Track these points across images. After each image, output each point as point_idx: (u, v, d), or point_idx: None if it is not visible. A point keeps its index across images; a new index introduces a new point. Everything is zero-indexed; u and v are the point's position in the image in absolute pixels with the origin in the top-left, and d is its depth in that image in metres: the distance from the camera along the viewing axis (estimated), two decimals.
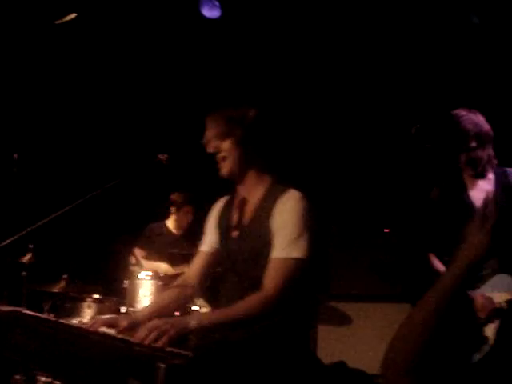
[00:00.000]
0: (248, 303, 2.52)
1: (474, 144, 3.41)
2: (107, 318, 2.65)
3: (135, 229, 5.96)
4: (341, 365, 4.67)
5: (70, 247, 5.95)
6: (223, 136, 2.68)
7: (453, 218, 3.40)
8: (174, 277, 3.15)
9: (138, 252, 5.78)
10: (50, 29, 5.82)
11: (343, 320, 5.56)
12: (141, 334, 2.25)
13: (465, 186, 3.52)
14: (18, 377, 3.76)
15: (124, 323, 2.57)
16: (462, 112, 3.44)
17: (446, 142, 3.36)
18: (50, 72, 6.19)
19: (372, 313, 5.57)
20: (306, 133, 6.21)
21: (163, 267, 5.49)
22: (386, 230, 5.92)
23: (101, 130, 6.38)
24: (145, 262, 5.63)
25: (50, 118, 6.35)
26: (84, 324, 2.66)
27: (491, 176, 3.52)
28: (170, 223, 5.94)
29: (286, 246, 2.58)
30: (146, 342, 2.18)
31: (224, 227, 2.85)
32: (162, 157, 2.64)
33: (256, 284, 2.59)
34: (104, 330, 2.52)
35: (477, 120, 3.44)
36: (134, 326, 2.59)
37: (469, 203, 3.47)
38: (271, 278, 2.56)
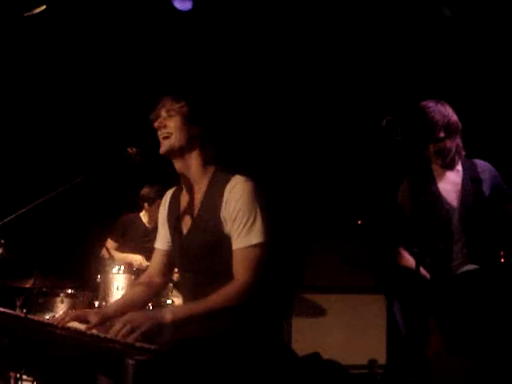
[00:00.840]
0: (222, 295, 2.50)
1: (442, 134, 3.43)
2: (77, 313, 2.63)
3: (107, 221, 5.92)
4: (315, 356, 4.68)
5: (41, 242, 5.91)
6: (171, 113, 2.67)
7: (421, 209, 3.42)
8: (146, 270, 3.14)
9: (109, 244, 5.75)
10: (20, 20, 5.75)
11: (317, 312, 5.59)
12: (115, 327, 2.24)
13: (433, 177, 3.55)
14: None
15: (94, 318, 2.56)
16: (430, 103, 3.47)
17: (415, 133, 3.39)
18: (18, 65, 6.11)
19: (345, 304, 5.62)
20: (278, 127, 6.20)
21: (137, 259, 5.47)
22: (358, 222, 5.96)
23: (70, 123, 6.31)
24: (118, 254, 5.61)
25: (19, 113, 6.27)
26: (55, 319, 2.63)
27: (459, 167, 3.55)
28: (143, 216, 5.91)
29: (244, 234, 2.55)
30: (120, 336, 2.17)
31: (172, 223, 2.82)
32: (131, 150, 2.62)
33: (213, 279, 2.58)
34: (75, 325, 2.50)
35: (445, 111, 3.46)
36: (104, 321, 2.58)
37: (437, 194, 3.50)
38: (240, 270, 2.54)
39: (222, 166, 2.74)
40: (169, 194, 2.94)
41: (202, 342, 2.43)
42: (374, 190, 5.89)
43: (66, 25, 5.75)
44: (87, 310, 2.85)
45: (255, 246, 2.55)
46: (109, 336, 2.18)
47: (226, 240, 2.60)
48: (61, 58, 6.06)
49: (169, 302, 4.85)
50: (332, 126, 6.08)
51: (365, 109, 5.68)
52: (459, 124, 3.51)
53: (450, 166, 3.54)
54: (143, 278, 2.98)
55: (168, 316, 2.40)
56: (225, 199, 2.60)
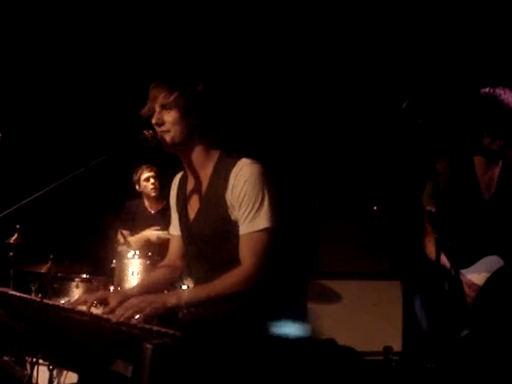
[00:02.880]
0: (228, 279, 2.47)
1: None
2: (98, 294, 2.62)
3: (123, 205, 5.91)
4: (330, 342, 4.67)
5: (57, 227, 5.90)
6: (168, 107, 2.57)
7: (456, 196, 3.38)
8: (163, 252, 3.12)
9: (124, 233, 5.74)
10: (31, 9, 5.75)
11: (333, 298, 5.57)
12: (118, 311, 2.22)
13: (472, 165, 3.47)
14: (6, 358, 3.75)
15: (115, 300, 2.54)
16: (500, 90, 3.37)
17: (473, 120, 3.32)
18: (32, 51, 6.11)
19: (361, 290, 5.59)
20: (293, 110, 6.16)
21: (154, 233, 5.45)
22: (374, 208, 5.92)
23: (86, 107, 6.30)
24: (133, 238, 5.60)
25: (34, 97, 6.27)
26: (73, 302, 2.63)
27: (500, 160, 3.46)
28: (146, 201, 5.87)
29: (250, 219, 2.51)
30: (122, 320, 2.16)
31: (181, 210, 2.78)
32: (147, 133, 2.57)
33: (221, 265, 2.54)
34: (91, 310, 2.49)
35: None
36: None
37: (473, 182, 3.44)
38: (246, 255, 2.51)
39: (228, 150, 2.69)
40: (177, 178, 2.90)
41: (217, 325, 2.42)
42: (392, 174, 5.85)
43: (70, 15, 5.75)
44: (107, 291, 2.84)
45: (262, 231, 2.51)
46: (112, 321, 2.16)
47: (233, 225, 2.56)
48: (77, 43, 6.06)
49: (184, 287, 4.84)
50: (351, 108, 6.02)
51: (385, 91, 5.62)
52: None
53: (496, 158, 3.45)
54: (165, 261, 2.97)
55: (173, 299, 2.38)
56: (231, 183, 2.55)
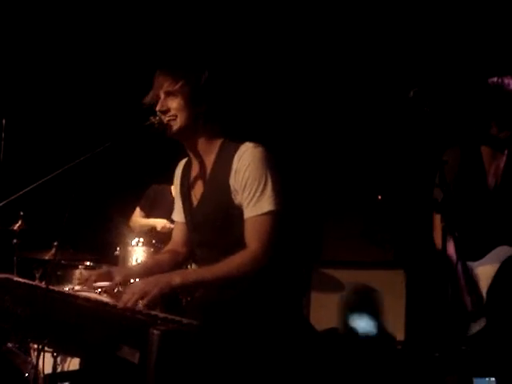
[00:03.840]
0: (234, 261, 2.47)
1: None
2: (103, 270, 2.63)
3: (130, 193, 5.88)
4: (333, 331, 4.68)
5: (61, 214, 5.89)
6: (173, 94, 2.57)
7: (463, 186, 3.38)
8: (167, 240, 3.13)
9: (137, 213, 5.72)
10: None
11: (336, 287, 5.57)
12: (124, 297, 2.22)
13: (480, 156, 3.46)
14: (10, 345, 3.75)
15: (119, 276, 2.55)
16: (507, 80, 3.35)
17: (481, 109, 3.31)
18: (37, 38, 6.09)
19: (364, 279, 5.58)
20: (297, 99, 6.14)
21: (160, 222, 5.43)
22: (378, 197, 5.90)
23: (91, 92, 6.29)
24: (140, 220, 5.59)
25: (39, 82, 6.25)
26: (78, 286, 2.63)
27: (506, 151, 3.45)
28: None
29: (255, 202, 2.51)
30: (129, 305, 2.16)
31: (185, 196, 2.79)
32: (154, 119, 2.56)
33: (225, 250, 2.53)
34: (96, 296, 2.49)
35: None
36: (127, 280, 2.57)
37: (480, 173, 3.43)
38: (252, 238, 2.51)
39: (231, 137, 2.69)
40: (180, 165, 2.91)
41: (222, 310, 2.42)
42: (397, 163, 5.83)
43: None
44: (112, 268, 2.84)
45: (266, 214, 2.50)
46: (119, 307, 2.17)
47: (236, 210, 2.55)
48: (81, 31, 6.05)
49: None
50: (355, 97, 5.99)
51: (391, 79, 5.59)
52: None
53: (502, 148, 3.44)
54: (168, 247, 2.98)
55: (177, 278, 2.37)
56: (234, 167, 2.55)
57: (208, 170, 2.66)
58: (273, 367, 2.37)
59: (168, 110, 2.58)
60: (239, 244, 2.53)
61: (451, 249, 3.08)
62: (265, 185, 2.51)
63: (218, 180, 2.59)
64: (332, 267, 5.62)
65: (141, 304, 2.17)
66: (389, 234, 5.75)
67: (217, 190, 2.59)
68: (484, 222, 3.40)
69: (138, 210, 5.77)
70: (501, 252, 3.34)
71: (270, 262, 2.51)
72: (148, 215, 5.73)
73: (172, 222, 4.76)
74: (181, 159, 2.86)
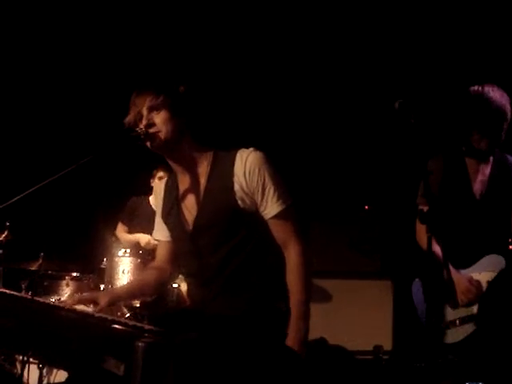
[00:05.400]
0: (297, 273, 2.58)
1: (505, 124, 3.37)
2: (87, 295, 2.62)
3: (114, 203, 5.88)
4: (321, 341, 4.67)
5: (47, 224, 5.87)
6: (156, 108, 2.59)
7: (448, 194, 3.40)
8: (154, 249, 3.12)
9: (120, 227, 5.73)
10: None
11: (323, 296, 5.57)
12: None
13: (464, 164, 3.48)
14: None
15: (104, 300, 2.54)
16: (488, 88, 3.37)
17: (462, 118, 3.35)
18: (23, 47, 6.08)
19: (352, 289, 5.59)
20: (284, 109, 6.16)
21: (145, 237, 5.43)
22: (366, 207, 5.92)
23: (76, 103, 6.28)
24: (125, 236, 5.59)
25: (24, 95, 6.24)
26: (62, 302, 2.61)
27: (491, 159, 3.48)
28: (152, 200, 5.85)
29: (276, 199, 2.57)
30: None
31: (173, 211, 2.77)
32: (140, 130, 2.57)
33: (229, 259, 2.58)
34: (82, 307, 2.48)
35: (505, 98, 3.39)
36: (113, 303, 2.56)
37: (464, 181, 3.45)
38: (286, 235, 2.59)
39: (221, 145, 2.71)
40: (161, 184, 2.91)
41: (210, 323, 2.41)
42: (384, 174, 5.86)
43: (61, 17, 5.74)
44: (96, 292, 2.83)
45: (290, 206, 2.59)
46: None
47: (241, 214, 2.58)
48: (66, 40, 6.04)
49: (175, 285, 4.84)
50: (343, 107, 6.02)
51: (377, 91, 5.62)
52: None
53: (485, 157, 3.47)
54: (154, 263, 2.96)
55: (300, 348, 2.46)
56: (239, 173, 2.58)
57: (202, 182, 2.66)
58: (260, 378, 2.36)
59: (153, 125, 2.59)
60: (244, 249, 2.59)
61: (438, 251, 3.10)
62: (278, 182, 2.59)
63: (218, 188, 2.61)
64: (319, 277, 5.61)
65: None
66: (376, 243, 5.77)
67: (218, 198, 2.60)
68: (471, 230, 3.42)
69: (120, 224, 5.78)
70: (491, 260, 3.36)
71: (258, 264, 2.61)
72: (129, 227, 5.74)
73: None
74: (158, 172, 2.86)
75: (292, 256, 2.58)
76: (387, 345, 5.40)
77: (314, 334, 4.60)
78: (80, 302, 2.53)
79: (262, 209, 2.59)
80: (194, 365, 1.87)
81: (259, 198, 2.57)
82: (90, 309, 2.48)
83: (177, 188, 2.76)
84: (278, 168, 2.65)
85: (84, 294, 2.64)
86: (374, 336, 5.41)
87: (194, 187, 2.69)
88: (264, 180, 2.56)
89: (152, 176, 5.78)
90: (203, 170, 2.67)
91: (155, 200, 2.94)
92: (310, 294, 2.62)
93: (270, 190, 2.56)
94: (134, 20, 5.84)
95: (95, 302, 2.56)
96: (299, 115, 6.17)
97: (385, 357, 5.33)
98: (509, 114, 3.37)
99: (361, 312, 5.52)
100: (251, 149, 2.63)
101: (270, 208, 2.57)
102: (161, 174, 5.70)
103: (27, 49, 6.08)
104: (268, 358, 2.42)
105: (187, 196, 2.71)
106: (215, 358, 2.08)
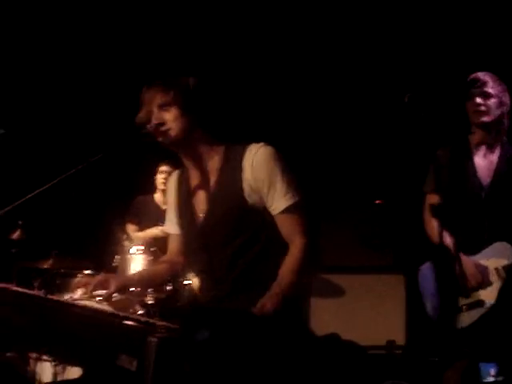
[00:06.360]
0: (291, 264, 2.53)
1: (490, 90, 3.42)
2: (99, 277, 2.62)
3: (125, 201, 5.90)
4: (333, 337, 4.67)
5: (59, 223, 5.91)
6: (166, 105, 2.59)
7: (456, 184, 3.42)
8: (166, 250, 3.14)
9: (130, 228, 5.75)
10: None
11: (336, 292, 5.57)
12: None
13: (470, 151, 3.54)
14: (9, 354, 3.74)
15: (114, 285, 2.56)
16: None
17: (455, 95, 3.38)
18: (34, 46, 6.11)
19: (364, 284, 5.59)
20: (293, 102, 6.15)
21: (155, 231, 5.46)
22: (377, 202, 5.91)
23: (87, 101, 6.31)
24: (136, 235, 5.61)
25: (36, 92, 6.28)
26: (75, 299, 2.63)
27: (498, 148, 3.53)
28: (158, 197, 5.87)
29: (283, 194, 2.56)
30: None
31: (184, 208, 2.78)
32: (150, 127, 2.57)
33: (238, 254, 2.58)
34: (95, 305, 2.49)
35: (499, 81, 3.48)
36: (123, 289, 2.58)
37: (471, 168, 3.49)
38: (292, 231, 2.57)
39: (233, 140, 2.71)
40: (173, 178, 2.91)
41: (221, 318, 2.42)
42: (394, 167, 5.84)
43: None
44: (109, 275, 2.84)
45: (297, 202, 2.57)
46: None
47: (249, 211, 2.57)
48: (78, 39, 6.06)
49: (187, 282, 4.85)
50: (352, 101, 6.00)
51: (387, 84, 5.60)
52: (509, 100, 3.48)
53: (491, 142, 3.52)
54: (165, 257, 2.97)
55: (269, 308, 2.39)
56: (247, 168, 2.57)
57: (213, 177, 2.66)
58: (272, 373, 2.37)
59: (164, 122, 2.59)
60: (252, 244, 2.58)
61: (449, 243, 3.13)
62: (286, 178, 2.57)
63: (228, 184, 2.60)
64: (332, 272, 5.62)
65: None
66: (387, 238, 5.76)
67: (228, 194, 2.60)
68: (478, 217, 3.45)
69: (129, 224, 5.80)
70: (499, 248, 3.40)
71: (272, 258, 2.57)
72: (139, 227, 5.75)
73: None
74: (160, 167, 2.86)
75: (293, 250, 2.56)
76: (400, 339, 5.40)
77: (326, 330, 4.64)
78: (92, 284, 2.54)
79: (268, 204, 2.58)
80: (206, 361, 1.88)
81: (266, 194, 2.56)
82: (103, 307, 2.49)
83: (188, 183, 2.77)
84: (289, 163, 2.64)
85: (97, 278, 2.64)
86: (387, 331, 5.41)
87: (205, 182, 2.69)
88: (271, 175, 2.55)
89: (155, 171, 5.80)
90: (214, 165, 2.67)
91: (168, 192, 2.93)
92: (294, 291, 2.52)
93: (277, 184, 2.55)
94: (143, 15, 5.84)
95: (105, 286, 2.57)
96: (309, 110, 6.16)
97: (398, 351, 5.32)
98: (506, 98, 3.45)
99: (373, 307, 5.51)
100: (261, 144, 2.62)
101: (277, 203, 2.56)
102: (164, 168, 5.71)
103: (35, 51, 6.11)
104: (282, 352, 2.42)
105: (198, 191, 2.71)
106: (228, 354, 2.08)
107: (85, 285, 2.56)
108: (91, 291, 2.53)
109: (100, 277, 2.66)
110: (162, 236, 5.37)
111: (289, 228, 2.58)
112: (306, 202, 2.63)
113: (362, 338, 4.92)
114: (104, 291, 2.56)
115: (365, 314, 5.50)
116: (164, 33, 5.91)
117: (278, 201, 2.56)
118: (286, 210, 2.56)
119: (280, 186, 2.55)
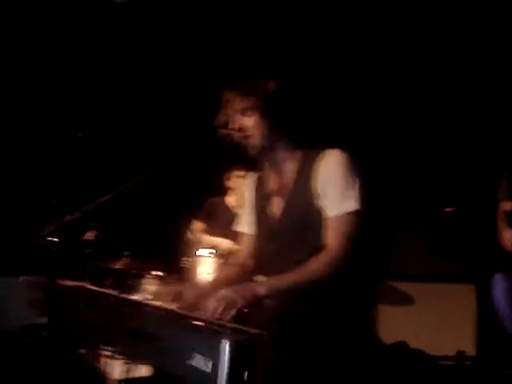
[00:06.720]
0: (315, 264, 2.46)
1: None
2: (174, 288, 2.65)
3: (196, 205, 5.95)
4: (401, 345, 4.61)
5: (131, 224, 6.02)
6: (246, 111, 2.58)
7: None
8: (235, 254, 3.15)
9: (197, 226, 5.78)
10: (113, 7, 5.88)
11: (405, 300, 5.50)
12: (210, 305, 2.23)
13: None
14: (82, 351, 3.84)
15: (189, 294, 2.57)
16: None
17: None
18: (109, 54, 6.25)
19: (434, 293, 5.50)
20: (360, 109, 6.09)
21: (225, 244, 5.47)
22: (448, 209, 5.81)
23: (161, 104, 6.41)
24: (205, 237, 5.64)
25: (114, 97, 6.42)
26: (146, 300, 2.67)
27: None
28: (230, 200, 5.90)
29: (338, 202, 2.51)
30: (216, 314, 2.17)
31: (261, 206, 2.79)
32: (223, 131, 2.59)
33: (309, 256, 2.53)
34: (167, 305, 2.52)
35: None
36: (199, 299, 2.59)
37: None
38: (332, 237, 2.51)
39: (312, 144, 2.69)
40: (252, 178, 2.92)
41: (294, 322, 2.41)
42: (466, 175, 5.72)
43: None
44: (183, 286, 2.86)
45: (350, 213, 2.52)
46: (205, 315, 2.18)
47: (317, 215, 2.56)
48: (146, 48, 6.16)
49: None
50: (422, 105, 5.91)
51: (454, 89, 5.49)
52: None
53: None
54: (235, 260, 2.99)
55: (262, 290, 2.37)
56: (318, 172, 2.56)
57: (290, 180, 2.67)
58: (340, 380, 2.36)
59: (243, 129, 2.60)
60: (318, 248, 2.54)
61: None
62: (349, 186, 2.53)
63: (302, 187, 2.60)
64: (400, 280, 5.55)
65: (226, 316, 2.17)
66: (458, 246, 5.65)
67: (301, 198, 2.60)
68: None
69: (196, 222, 5.83)
70: None
71: (344, 268, 2.51)
72: (208, 228, 5.78)
73: (235, 240, 4.78)
74: (234, 171, 2.85)
75: (322, 255, 2.49)
76: (470, 350, 5.28)
77: (394, 337, 4.58)
78: (167, 294, 2.57)
79: (323, 205, 2.54)
80: (279, 363, 1.88)
81: (324, 197, 2.54)
82: (175, 307, 2.52)
83: (266, 186, 2.79)
84: (362, 171, 2.60)
85: (171, 287, 2.67)
86: (457, 341, 5.31)
87: (282, 186, 2.70)
88: (336, 180, 2.52)
89: (228, 176, 5.83)
90: (292, 168, 2.67)
91: (246, 193, 2.94)
92: (295, 290, 2.46)
93: (338, 189, 2.52)
94: (222, 15, 5.88)
95: (180, 296, 2.59)
96: (381, 115, 6.10)
97: (468, 363, 5.21)
98: None
99: (443, 316, 5.42)
100: (335, 150, 2.60)
101: (331, 207, 2.53)
102: (237, 171, 5.74)
103: (113, 56, 6.25)
104: (351, 360, 2.41)
105: (275, 194, 2.72)
106: (300, 357, 2.08)
107: (160, 295, 2.58)
108: (166, 301, 2.55)
109: (175, 287, 2.68)
110: (223, 250, 5.41)
111: (331, 234, 2.52)
112: (369, 215, 2.57)
113: (431, 347, 4.82)
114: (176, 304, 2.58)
115: (434, 322, 5.41)
116: (244, 33, 5.93)
117: (333, 205, 2.52)
118: (337, 217, 2.52)
119: (340, 192, 2.52)
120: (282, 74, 2.70)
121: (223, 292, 2.31)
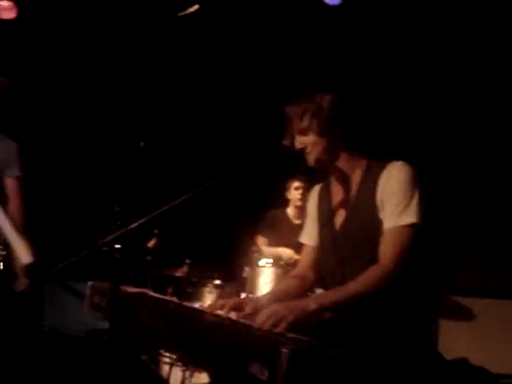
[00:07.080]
0: (367, 278, 2.44)
1: None
2: (234, 300, 2.67)
3: (256, 215, 5.98)
4: (463, 362, 4.52)
5: (192, 233, 6.09)
6: (304, 131, 2.61)
7: None
8: (295, 264, 3.15)
9: (260, 240, 5.81)
10: (172, 21, 6.00)
11: (468, 315, 5.39)
12: (260, 318, 2.25)
13: None
14: (144, 357, 3.91)
15: (249, 307, 2.59)
16: None
17: None
18: (172, 62, 6.37)
19: (499, 309, 5.38)
20: (428, 121, 6.02)
21: (287, 252, 5.47)
22: None
23: (225, 115, 6.48)
24: (267, 249, 5.66)
25: (175, 106, 6.52)
26: (210, 306, 2.70)
27: None
28: (291, 212, 5.91)
29: (397, 213, 2.48)
30: (265, 328, 2.18)
31: (324, 218, 2.79)
32: (287, 142, 2.62)
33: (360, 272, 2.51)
34: (224, 314, 2.55)
35: None
36: (256, 311, 2.60)
37: None
38: (386, 249, 2.48)
39: (376, 155, 2.69)
40: (316, 189, 2.93)
41: (352, 334, 2.40)
42: None
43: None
44: (242, 298, 2.88)
45: (407, 226, 2.48)
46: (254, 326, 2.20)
47: (379, 227, 2.54)
48: (215, 54, 6.25)
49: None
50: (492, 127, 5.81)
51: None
52: None
53: None
54: (296, 271, 2.98)
55: (312, 304, 2.36)
56: (381, 184, 2.55)
57: (354, 191, 2.67)
58: None
59: (305, 147, 2.64)
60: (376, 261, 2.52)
61: None
62: (410, 199, 2.50)
63: (365, 199, 2.60)
64: (465, 295, 5.45)
65: (276, 329, 2.19)
66: None
67: (363, 209, 2.60)
68: None
69: (259, 237, 5.86)
70: None
71: (402, 280, 2.48)
72: (270, 240, 5.80)
73: (297, 250, 4.77)
74: (293, 183, 2.84)
75: (375, 267, 2.46)
76: None
77: (456, 353, 4.50)
78: (227, 306, 2.59)
79: (382, 216, 2.53)
80: (339, 376, 1.88)
81: (383, 210, 2.53)
82: (233, 316, 2.54)
83: (330, 197, 2.80)
84: (428, 185, 2.57)
85: (231, 299, 2.69)
86: None
87: (345, 196, 2.71)
88: (398, 192, 2.50)
89: (287, 187, 5.84)
90: (356, 178, 2.67)
91: (309, 203, 2.95)
92: (356, 302, 2.44)
93: (400, 202, 2.49)
94: (286, 30, 5.93)
95: (239, 308, 2.61)
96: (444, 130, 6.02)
97: None
98: None
99: (506, 333, 5.30)
100: (400, 163, 2.58)
101: (387, 221, 2.51)
102: (298, 183, 5.75)
103: (175, 66, 6.35)
104: (411, 375, 2.38)
105: (339, 206, 2.73)
106: (359, 371, 2.07)
107: (221, 307, 2.61)
108: (226, 312, 2.57)
109: (235, 300, 2.70)
110: (285, 259, 5.41)
111: (386, 246, 2.49)
112: (432, 229, 2.54)
113: (493, 364, 4.71)
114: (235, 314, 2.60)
115: (496, 339, 5.29)
116: (304, 45, 5.97)
117: (390, 218, 2.50)
118: (394, 229, 2.49)
119: (397, 204, 2.49)
120: (341, 84, 2.70)
121: (273, 307, 2.32)
